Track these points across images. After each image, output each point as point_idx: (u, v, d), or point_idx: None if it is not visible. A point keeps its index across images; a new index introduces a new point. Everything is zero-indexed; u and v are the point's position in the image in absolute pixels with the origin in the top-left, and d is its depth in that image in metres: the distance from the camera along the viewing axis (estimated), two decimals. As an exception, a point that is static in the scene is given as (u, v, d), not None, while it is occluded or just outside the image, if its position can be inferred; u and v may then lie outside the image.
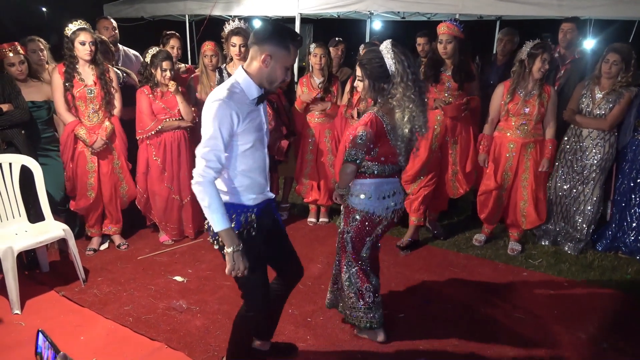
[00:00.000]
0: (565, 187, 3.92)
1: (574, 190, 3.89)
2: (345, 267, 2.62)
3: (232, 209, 2.03)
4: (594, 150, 3.74)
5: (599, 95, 3.67)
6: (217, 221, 1.92)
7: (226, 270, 1.98)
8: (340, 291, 2.73)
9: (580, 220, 3.90)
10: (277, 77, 2.01)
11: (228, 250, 1.94)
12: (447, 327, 2.89)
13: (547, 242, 4.03)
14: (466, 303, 3.17)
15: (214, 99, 1.90)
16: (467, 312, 3.06)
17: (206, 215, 1.96)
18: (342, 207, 2.62)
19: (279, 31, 1.96)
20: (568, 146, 3.87)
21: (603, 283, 3.45)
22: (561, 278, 3.53)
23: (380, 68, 2.36)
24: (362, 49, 3.91)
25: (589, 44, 5.06)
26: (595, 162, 3.75)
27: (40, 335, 1.20)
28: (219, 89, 1.96)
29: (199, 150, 1.91)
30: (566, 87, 4.03)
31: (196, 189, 1.91)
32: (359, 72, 2.45)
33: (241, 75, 1.98)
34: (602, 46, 4.04)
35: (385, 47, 2.36)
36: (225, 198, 2.03)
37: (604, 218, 4.00)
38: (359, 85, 2.46)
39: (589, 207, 3.85)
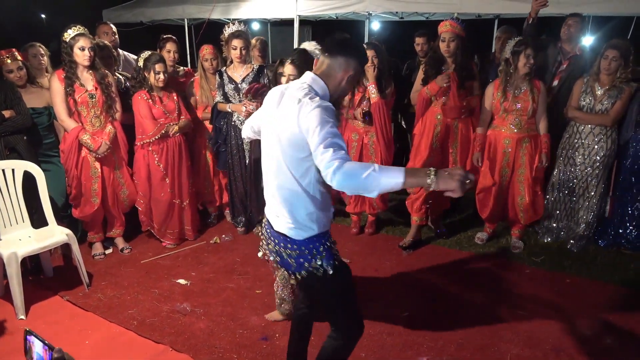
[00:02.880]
0: (568, 184, 3.92)
1: (577, 188, 3.89)
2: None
3: (323, 240, 1.89)
4: (596, 147, 3.74)
5: (599, 92, 3.67)
6: (394, 176, 1.55)
7: (459, 194, 1.56)
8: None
9: (583, 217, 3.90)
10: (344, 95, 1.89)
11: (432, 180, 1.55)
12: (450, 325, 2.89)
13: (549, 239, 4.03)
14: (469, 301, 3.17)
15: (314, 105, 1.69)
16: (470, 310, 3.07)
17: (376, 186, 1.56)
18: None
19: (364, 51, 1.90)
20: (569, 143, 3.87)
21: (606, 279, 3.45)
22: (564, 274, 3.53)
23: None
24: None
25: (588, 40, 5.07)
26: (599, 158, 3.74)
27: (29, 336, 1.11)
28: (303, 96, 1.74)
29: (319, 149, 1.63)
30: (567, 83, 4.03)
31: (341, 174, 1.56)
32: (292, 70, 2.38)
33: (318, 83, 1.82)
34: (601, 43, 4.05)
35: (313, 46, 2.33)
36: (314, 228, 1.86)
37: (604, 214, 4.00)
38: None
39: (593, 204, 3.84)
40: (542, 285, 3.39)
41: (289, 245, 1.89)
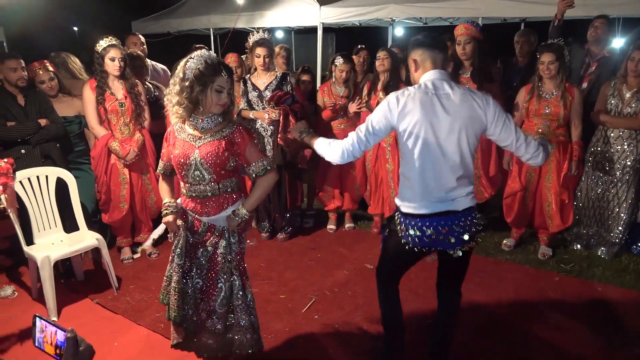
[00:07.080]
0: (597, 190, 3.82)
1: (607, 193, 3.78)
2: (245, 287, 2.37)
3: None
4: (626, 151, 3.64)
5: (627, 95, 3.58)
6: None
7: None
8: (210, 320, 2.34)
9: (614, 224, 3.79)
10: None
11: None
12: (476, 334, 2.85)
13: (579, 246, 3.93)
14: (496, 309, 3.12)
15: (490, 96, 2.16)
16: (497, 318, 3.02)
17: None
18: (231, 230, 2.31)
19: None
20: (598, 148, 3.77)
21: (638, 287, 3.35)
22: (594, 283, 3.44)
23: None
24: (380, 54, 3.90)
25: (618, 42, 4.95)
26: (629, 163, 3.64)
27: (37, 320, 1.07)
28: (472, 91, 2.14)
29: (522, 137, 2.14)
30: (596, 85, 3.95)
31: (546, 153, 2.20)
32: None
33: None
34: (631, 45, 3.95)
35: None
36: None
37: (635, 220, 3.88)
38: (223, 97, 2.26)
39: (624, 210, 3.73)
40: (571, 293, 3.31)
41: (473, 214, 2.16)
